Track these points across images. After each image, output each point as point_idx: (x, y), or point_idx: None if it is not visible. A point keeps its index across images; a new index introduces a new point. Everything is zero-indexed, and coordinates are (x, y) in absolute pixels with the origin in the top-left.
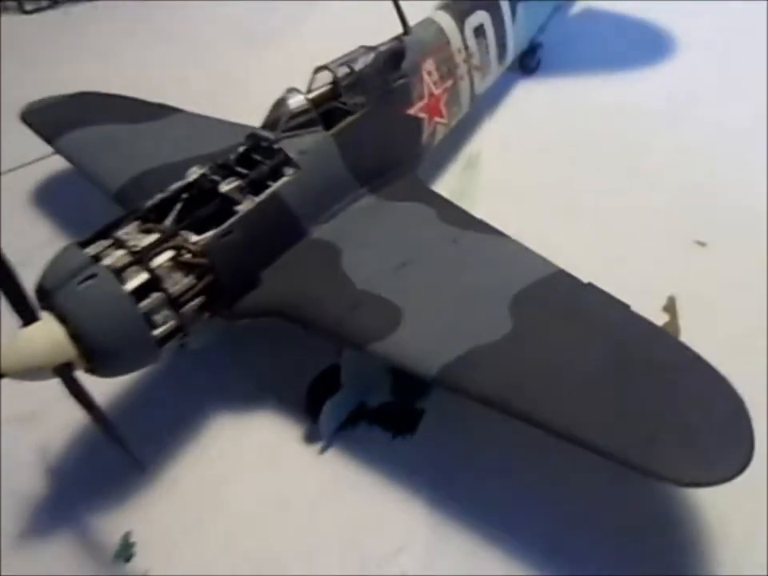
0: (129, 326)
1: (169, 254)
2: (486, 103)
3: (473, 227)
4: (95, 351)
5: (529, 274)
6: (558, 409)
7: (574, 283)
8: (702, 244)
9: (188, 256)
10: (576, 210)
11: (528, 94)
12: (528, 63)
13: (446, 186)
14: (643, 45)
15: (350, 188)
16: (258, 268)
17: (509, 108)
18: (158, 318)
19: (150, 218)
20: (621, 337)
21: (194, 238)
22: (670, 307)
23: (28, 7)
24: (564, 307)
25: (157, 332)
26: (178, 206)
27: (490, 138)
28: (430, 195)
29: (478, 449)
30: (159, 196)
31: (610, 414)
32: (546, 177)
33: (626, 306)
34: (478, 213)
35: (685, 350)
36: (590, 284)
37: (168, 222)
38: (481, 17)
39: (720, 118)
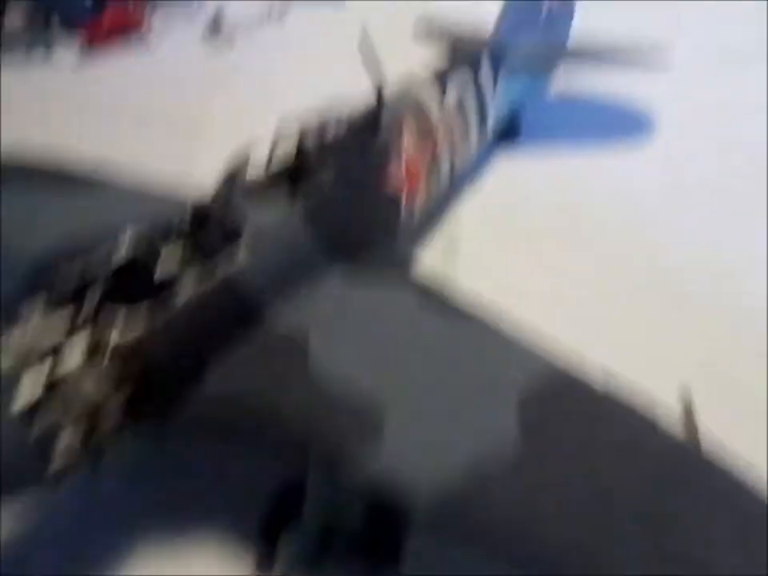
0: (16, 457)
1: (82, 350)
2: (465, 175)
3: (458, 315)
4: None
5: (530, 374)
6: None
7: (583, 384)
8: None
9: (108, 353)
10: (566, 294)
11: (509, 166)
12: (508, 135)
13: (426, 262)
14: (624, 120)
15: (316, 265)
16: (201, 366)
17: (489, 179)
18: (59, 443)
19: (63, 300)
20: (651, 459)
21: (117, 329)
22: (686, 399)
23: None
24: (576, 416)
25: (56, 464)
26: (101, 283)
27: (471, 212)
28: (410, 275)
29: None
30: (78, 279)
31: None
32: (530, 255)
33: (649, 417)
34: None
35: (724, 473)
36: (596, 380)
37: (86, 311)
38: (461, 89)
39: (711, 199)
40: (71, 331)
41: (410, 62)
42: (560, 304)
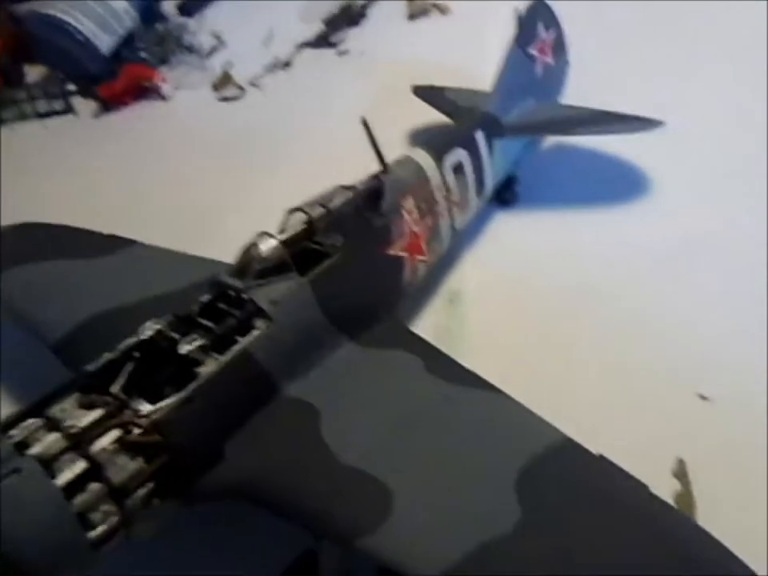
0: (58, 531)
1: (114, 433)
2: (466, 237)
3: (465, 381)
4: (15, 563)
5: (533, 443)
6: None
7: (585, 456)
8: (705, 398)
9: (137, 433)
10: (569, 358)
11: (508, 226)
12: (506, 196)
13: (429, 323)
14: (621, 177)
15: (327, 337)
16: (221, 440)
17: (490, 241)
18: (95, 516)
19: (94, 387)
20: (648, 529)
21: (146, 408)
22: (681, 473)
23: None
24: (578, 487)
25: (94, 534)
26: (128, 368)
27: (472, 273)
28: (414, 340)
29: None
30: (106, 357)
31: None
32: (533, 320)
33: (644, 486)
34: (465, 354)
35: (718, 546)
36: (601, 456)
37: (115, 389)
38: (459, 154)
39: (718, 266)
40: (104, 414)
41: (412, 113)
42: (568, 370)
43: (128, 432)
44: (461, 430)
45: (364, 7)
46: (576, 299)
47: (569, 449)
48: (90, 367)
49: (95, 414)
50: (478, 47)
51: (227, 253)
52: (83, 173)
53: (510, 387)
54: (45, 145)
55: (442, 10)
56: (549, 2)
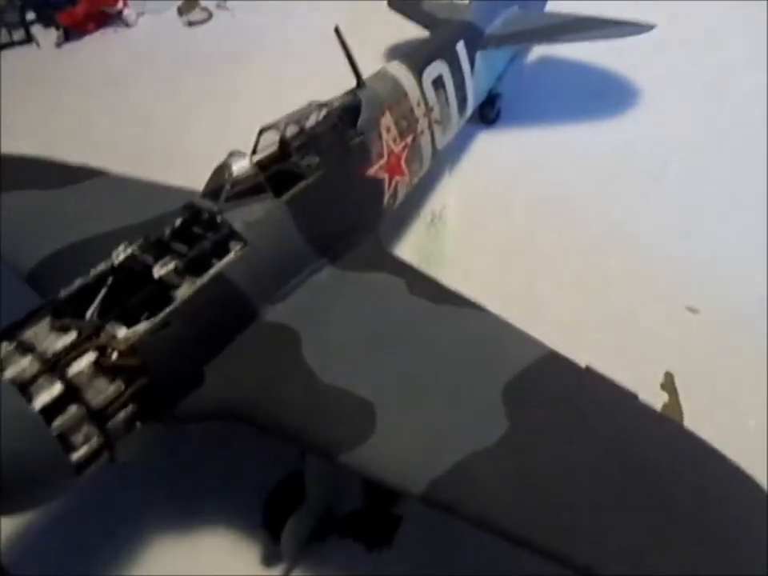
0: (39, 453)
1: (90, 356)
2: (447, 156)
3: (448, 301)
4: None
5: (518, 358)
6: (579, 538)
7: (571, 367)
8: (695, 311)
9: (114, 357)
10: (552, 272)
11: (490, 145)
12: (488, 114)
13: (411, 244)
14: (606, 92)
15: (306, 260)
16: (201, 363)
17: (471, 160)
18: (76, 438)
19: (67, 312)
20: (635, 438)
21: (122, 332)
22: (669, 386)
23: None
24: (564, 399)
25: (75, 456)
26: (102, 293)
27: (454, 193)
28: (396, 262)
29: (466, 561)
30: (78, 283)
31: (640, 541)
32: (517, 234)
33: (633, 396)
34: (448, 274)
35: (711, 451)
36: (588, 368)
37: (89, 314)
38: (439, 67)
39: (701, 176)
40: (79, 335)
41: (388, 31)
42: (548, 288)
43: (105, 355)
44: (445, 348)
45: None
46: (559, 212)
47: (555, 361)
48: (63, 292)
49: (69, 337)
50: None
51: (197, 177)
52: (45, 104)
53: (492, 305)
54: (5, 76)
55: None
56: None
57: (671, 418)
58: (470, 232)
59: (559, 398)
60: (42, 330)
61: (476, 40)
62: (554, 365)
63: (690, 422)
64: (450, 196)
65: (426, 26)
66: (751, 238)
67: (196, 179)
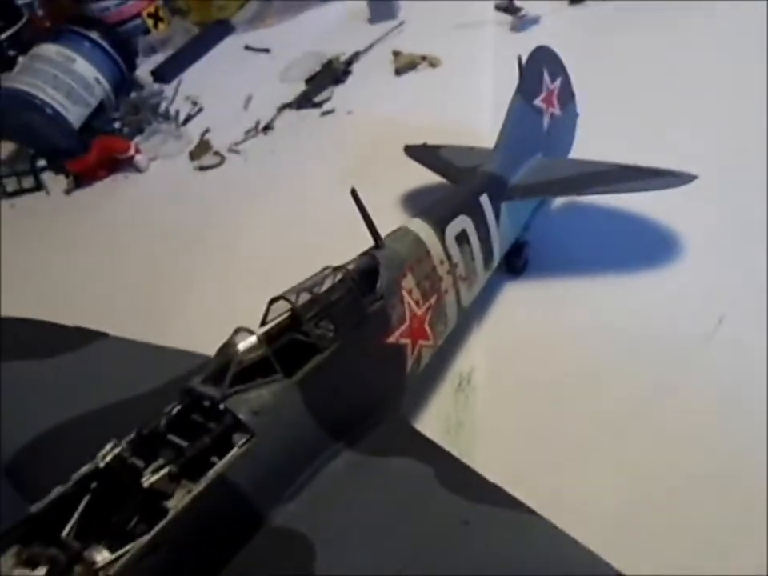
0: None
1: None
2: (473, 311)
3: (485, 497)
4: None
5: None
6: None
7: None
8: None
9: None
10: (590, 450)
11: (518, 298)
12: (515, 263)
13: (438, 412)
14: (645, 243)
15: (320, 447)
16: None
17: (499, 314)
18: None
19: (39, 534)
20: None
21: (102, 557)
22: None
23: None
24: None
25: None
26: (82, 505)
27: (482, 353)
28: (422, 443)
29: None
30: (55, 492)
31: None
32: (548, 407)
33: None
34: (479, 452)
35: None
36: None
37: (66, 532)
38: (462, 222)
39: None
40: (50, 571)
41: (405, 176)
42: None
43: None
44: (484, 564)
45: (348, 63)
46: (596, 381)
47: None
48: (35, 508)
49: (39, 573)
50: (473, 101)
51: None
52: (52, 254)
53: (526, 487)
54: (12, 226)
55: (432, 63)
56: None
57: None
58: (499, 401)
59: None
60: (5, 566)
61: (501, 191)
62: None
63: None
64: (475, 357)
65: (444, 175)
66: None
67: (200, 339)
